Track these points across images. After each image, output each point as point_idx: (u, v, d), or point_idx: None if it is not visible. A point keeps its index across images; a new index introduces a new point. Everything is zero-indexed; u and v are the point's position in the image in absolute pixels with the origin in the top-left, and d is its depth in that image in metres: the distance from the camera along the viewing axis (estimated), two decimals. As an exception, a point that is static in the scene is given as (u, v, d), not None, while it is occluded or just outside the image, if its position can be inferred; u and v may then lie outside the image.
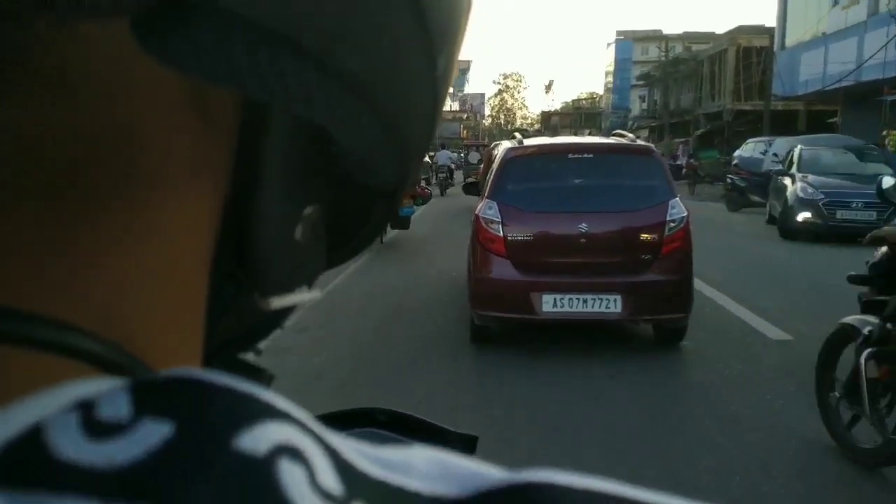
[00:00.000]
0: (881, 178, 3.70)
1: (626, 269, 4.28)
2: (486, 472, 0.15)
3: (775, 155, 13.47)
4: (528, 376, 4.00)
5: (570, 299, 4.27)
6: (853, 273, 3.14)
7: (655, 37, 61.40)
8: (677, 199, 4.42)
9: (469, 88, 79.07)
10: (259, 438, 0.13)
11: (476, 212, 4.65)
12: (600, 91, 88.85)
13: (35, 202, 0.15)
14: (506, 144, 5.24)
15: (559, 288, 4.28)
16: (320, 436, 0.14)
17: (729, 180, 15.42)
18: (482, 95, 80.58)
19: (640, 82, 49.99)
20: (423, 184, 8.72)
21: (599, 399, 3.67)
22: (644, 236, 4.30)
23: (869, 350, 2.78)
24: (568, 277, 4.29)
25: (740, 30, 34.23)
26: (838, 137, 13.82)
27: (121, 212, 0.16)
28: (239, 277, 0.21)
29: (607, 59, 72.62)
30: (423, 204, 10.31)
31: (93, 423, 0.13)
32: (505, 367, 4.21)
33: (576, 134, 67.39)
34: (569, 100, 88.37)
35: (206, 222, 0.18)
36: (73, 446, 0.12)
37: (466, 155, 26.39)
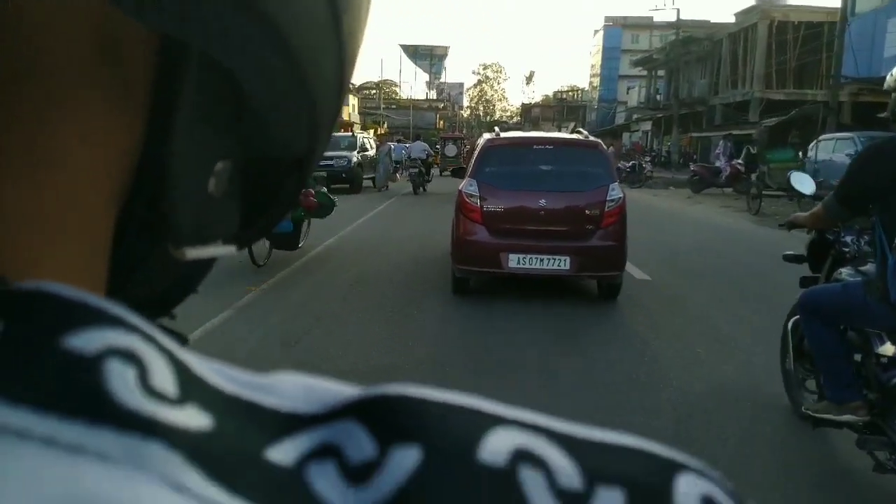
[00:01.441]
0: (790, 174, 4.07)
1: (574, 236, 5.53)
2: (346, 390, 0.16)
3: None
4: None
5: (530, 258, 5.51)
6: (788, 252, 3.41)
7: (647, 24, 57.09)
8: (616, 183, 5.69)
9: (447, 77, 75.43)
10: (90, 339, 0.13)
11: (460, 188, 5.87)
12: (582, 83, 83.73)
13: None
14: (486, 136, 6.47)
15: (522, 249, 5.51)
16: (168, 348, 0.15)
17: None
18: (461, 85, 77.82)
19: (638, 70, 43.90)
20: (312, 189, 6.77)
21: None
22: (589, 211, 5.55)
23: (794, 319, 3.14)
24: (529, 241, 5.52)
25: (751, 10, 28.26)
26: None
27: (20, 143, 0.16)
28: (152, 226, 0.21)
29: (593, 47, 67.81)
30: (305, 218, 6.89)
31: None
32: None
33: (559, 128, 61.70)
34: (550, 92, 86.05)
35: (114, 162, 0.18)
36: None
37: (443, 147, 24.82)
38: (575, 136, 6.33)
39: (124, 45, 0.17)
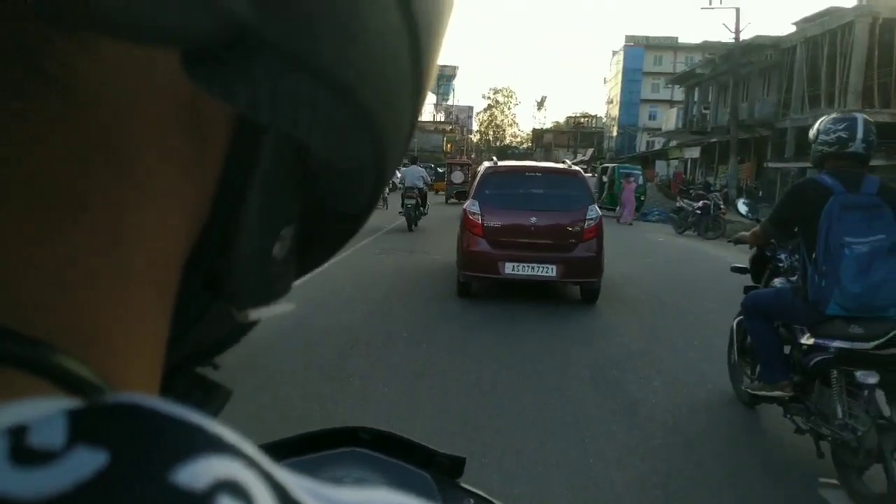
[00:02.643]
0: (738, 202, 5.09)
1: (560, 248, 6.65)
2: None
3: None
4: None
5: (522, 266, 6.64)
6: (736, 265, 4.19)
7: (671, 45, 54.30)
8: (595, 205, 6.85)
9: (456, 100, 72.71)
10: (199, 473, 0.13)
11: (464, 207, 7.02)
12: (596, 110, 79.51)
13: (15, 202, 0.14)
14: (486, 164, 7.65)
15: (516, 258, 6.63)
16: (268, 472, 0.14)
17: None
18: (470, 108, 74.60)
19: (664, 92, 40.37)
20: None
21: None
22: (571, 228, 6.68)
23: (738, 319, 3.84)
24: (522, 252, 6.64)
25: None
26: None
27: (100, 218, 0.16)
28: (216, 287, 0.21)
29: (611, 69, 62.83)
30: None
31: (23, 449, 0.12)
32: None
33: (575, 154, 58.97)
34: (562, 118, 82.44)
35: (186, 230, 0.19)
36: None
37: (449, 174, 24.25)
38: (560, 165, 7.55)
39: (203, 105, 0.18)
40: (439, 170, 28.49)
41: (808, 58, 23.12)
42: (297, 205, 0.22)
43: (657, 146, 44.91)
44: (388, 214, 14.57)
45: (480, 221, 6.73)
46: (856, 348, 2.92)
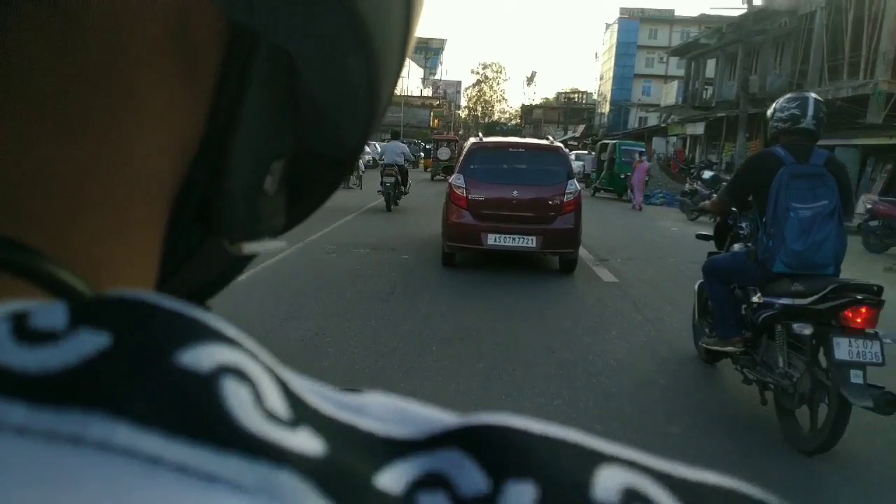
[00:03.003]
0: (702, 171, 5.95)
1: (540, 220, 6.99)
2: (442, 416, 0.15)
3: None
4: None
5: (504, 237, 6.97)
6: (700, 233, 4.53)
7: (667, 18, 52.12)
8: (574, 180, 7.18)
9: (444, 75, 71.43)
10: (202, 356, 0.13)
11: (449, 181, 7.33)
12: (586, 86, 76.55)
13: (3, 114, 0.14)
14: (471, 139, 7.95)
15: (498, 230, 6.96)
16: (269, 365, 0.14)
17: None
18: (458, 83, 74.24)
19: (657, 66, 38.78)
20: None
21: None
22: (551, 201, 7.01)
23: (700, 283, 4.19)
24: (504, 223, 6.97)
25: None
26: None
27: (89, 135, 0.16)
28: (208, 219, 0.20)
29: (604, 43, 59.83)
30: None
31: (25, 330, 0.12)
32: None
33: (565, 130, 58.03)
34: (551, 94, 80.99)
35: (176, 156, 0.18)
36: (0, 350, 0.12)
37: (435, 150, 22.92)
38: (543, 141, 7.88)
39: (194, 29, 0.17)
40: (427, 146, 27.68)
41: (830, 24, 20.82)
42: (289, 139, 0.22)
43: (650, 122, 43.03)
44: (364, 195, 13.42)
45: (465, 195, 7.05)
46: (796, 304, 3.23)
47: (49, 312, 0.13)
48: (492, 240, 6.97)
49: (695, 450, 3.12)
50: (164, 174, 0.18)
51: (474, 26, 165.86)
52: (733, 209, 3.88)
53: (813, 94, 3.50)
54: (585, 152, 31.01)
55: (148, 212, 0.18)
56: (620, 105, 53.45)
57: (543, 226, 6.97)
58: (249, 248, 0.22)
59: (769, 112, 3.58)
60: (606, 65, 58.24)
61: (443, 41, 65.62)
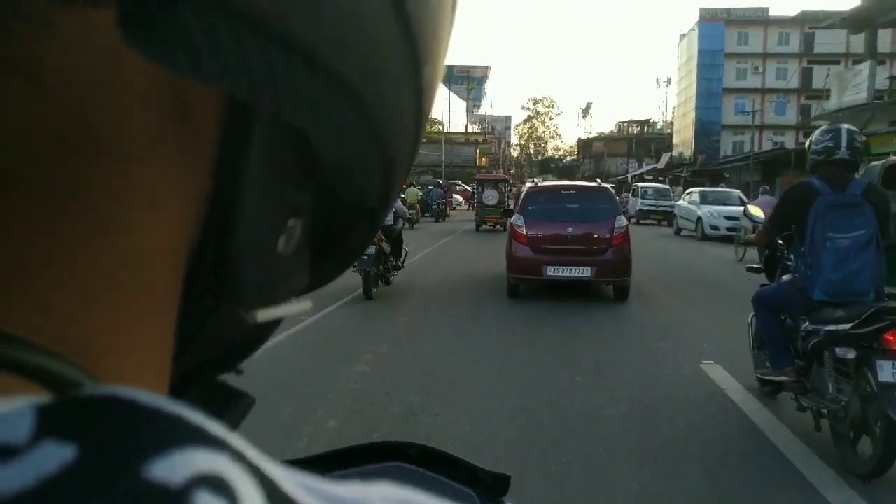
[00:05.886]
0: (746, 206, 5.55)
1: (593, 252, 7.87)
2: None
3: None
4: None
5: (562, 268, 7.88)
6: (751, 265, 4.79)
7: (759, 19, 42.23)
8: (621, 215, 8.11)
9: (490, 110, 65.94)
10: (176, 466, 0.12)
11: (510, 221, 8.37)
12: (649, 115, 67.94)
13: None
14: (527, 184, 9.02)
15: (556, 262, 7.87)
16: (257, 466, 0.13)
17: None
18: (507, 118, 68.68)
19: (757, 65, 29.62)
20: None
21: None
22: (602, 235, 7.92)
23: (751, 315, 4.17)
24: (561, 256, 7.88)
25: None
26: None
27: (84, 210, 0.15)
28: (218, 289, 0.20)
29: (679, 56, 48.86)
30: None
31: None
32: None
33: (639, 164, 48.73)
34: (609, 126, 73.67)
35: (181, 225, 0.18)
36: None
37: (480, 193, 19.58)
38: (591, 183, 8.95)
39: (193, 104, 0.17)
40: (467, 188, 23.93)
41: None
42: (305, 195, 0.21)
43: (746, 148, 33.88)
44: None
45: (525, 232, 8.04)
46: (839, 330, 3.28)
47: (11, 423, 0.11)
48: (551, 271, 7.89)
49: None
50: (173, 244, 0.18)
51: (520, 57, 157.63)
52: (779, 241, 4.06)
53: (846, 125, 3.61)
54: (666, 186, 27.45)
55: (157, 285, 0.17)
56: (711, 129, 42.60)
57: (597, 257, 7.86)
58: (264, 314, 0.20)
59: (807, 144, 3.69)
60: (684, 81, 46.35)
61: (486, 68, 58.66)
